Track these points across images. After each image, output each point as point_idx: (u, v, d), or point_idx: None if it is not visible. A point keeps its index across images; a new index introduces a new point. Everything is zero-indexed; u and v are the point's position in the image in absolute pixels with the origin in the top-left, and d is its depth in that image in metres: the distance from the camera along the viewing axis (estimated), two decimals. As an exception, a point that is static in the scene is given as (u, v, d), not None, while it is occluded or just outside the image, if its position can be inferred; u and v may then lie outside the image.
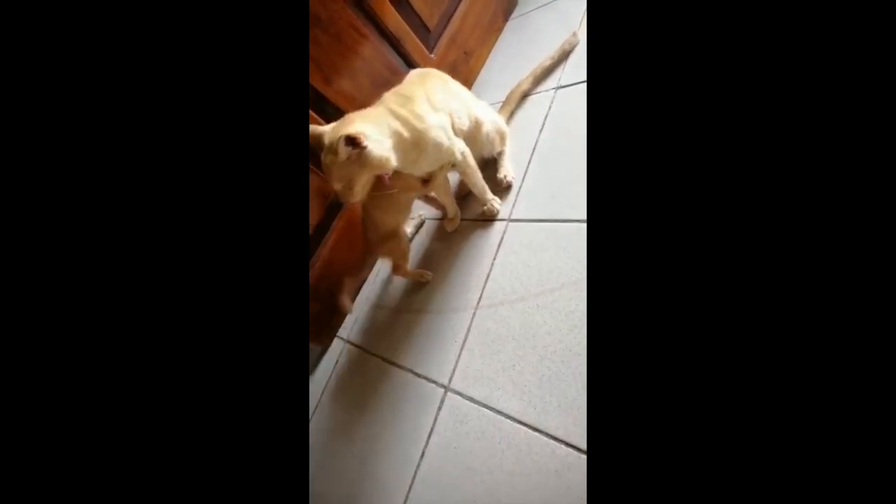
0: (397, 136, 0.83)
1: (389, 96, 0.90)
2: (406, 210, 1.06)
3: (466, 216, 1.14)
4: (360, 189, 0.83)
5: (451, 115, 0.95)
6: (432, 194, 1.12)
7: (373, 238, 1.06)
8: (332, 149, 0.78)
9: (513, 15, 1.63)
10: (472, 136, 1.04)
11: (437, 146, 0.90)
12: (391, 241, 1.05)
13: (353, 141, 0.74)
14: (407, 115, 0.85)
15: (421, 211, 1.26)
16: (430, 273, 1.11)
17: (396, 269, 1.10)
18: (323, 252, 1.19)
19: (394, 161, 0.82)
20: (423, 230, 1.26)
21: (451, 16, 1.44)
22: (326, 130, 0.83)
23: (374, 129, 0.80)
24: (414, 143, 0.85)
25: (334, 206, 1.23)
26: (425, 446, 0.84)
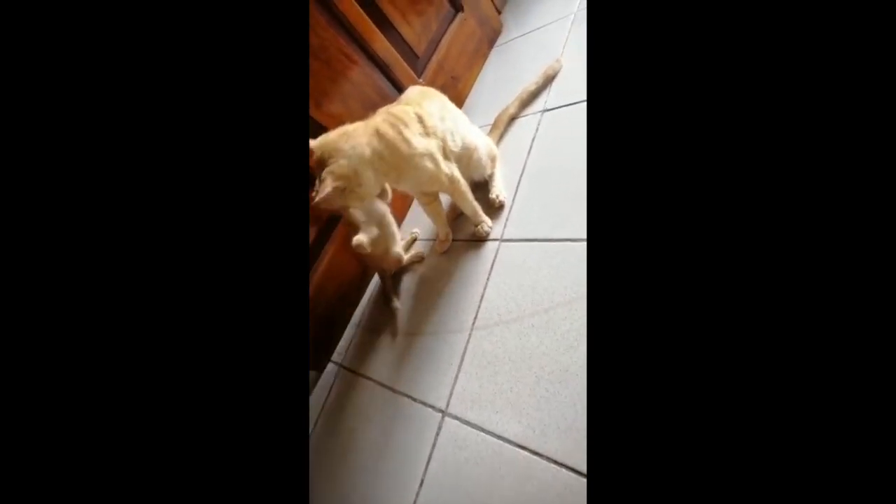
0: (377, 159, 0.87)
1: (382, 114, 0.92)
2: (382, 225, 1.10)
3: (458, 237, 1.15)
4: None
5: (444, 137, 0.97)
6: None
7: (370, 261, 1.16)
8: (321, 165, 0.84)
9: (497, 42, 1.69)
10: (465, 159, 1.06)
11: (422, 171, 0.93)
12: (386, 257, 1.15)
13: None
14: (394, 138, 0.88)
15: (418, 249, 1.26)
16: (422, 252, 1.22)
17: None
18: (315, 277, 1.18)
19: (374, 191, 0.91)
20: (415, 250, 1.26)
21: (438, 42, 1.48)
22: (327, 141, 0.86)
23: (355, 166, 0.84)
24: (395, 165, 0.90)
25: (327, 228, 1.23)
26: (424, 474, 0.82)
